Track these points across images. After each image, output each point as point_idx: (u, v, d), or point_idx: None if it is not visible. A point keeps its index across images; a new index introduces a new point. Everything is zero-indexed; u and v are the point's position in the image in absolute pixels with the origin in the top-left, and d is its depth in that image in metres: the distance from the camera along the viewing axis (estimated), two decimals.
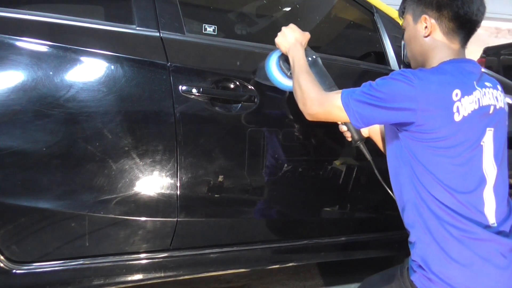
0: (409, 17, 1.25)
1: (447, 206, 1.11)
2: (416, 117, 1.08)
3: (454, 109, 1.07)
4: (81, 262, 1.42)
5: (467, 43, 1.22)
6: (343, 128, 1.42)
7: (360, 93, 1.15)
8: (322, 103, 1.22)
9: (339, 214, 1.83)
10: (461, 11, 1.15)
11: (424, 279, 1.14)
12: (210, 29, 1.65)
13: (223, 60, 1.58)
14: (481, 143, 1.12)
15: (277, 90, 1.49)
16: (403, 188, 1.19)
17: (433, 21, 1.18)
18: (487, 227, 1.11)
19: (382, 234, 1.92)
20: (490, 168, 1.14)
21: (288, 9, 2.46)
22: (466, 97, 1.09)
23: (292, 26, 1.43)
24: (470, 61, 1.19)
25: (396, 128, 1.18)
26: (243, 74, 1.55)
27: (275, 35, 1.44)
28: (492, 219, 1.13)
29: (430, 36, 1.20)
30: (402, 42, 1.82)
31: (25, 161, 1.30)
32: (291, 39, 1.40)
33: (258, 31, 2.30)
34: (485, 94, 1.14)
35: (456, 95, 1.08)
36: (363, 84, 1.17)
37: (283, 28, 1.43)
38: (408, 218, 1.20)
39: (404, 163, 1.17)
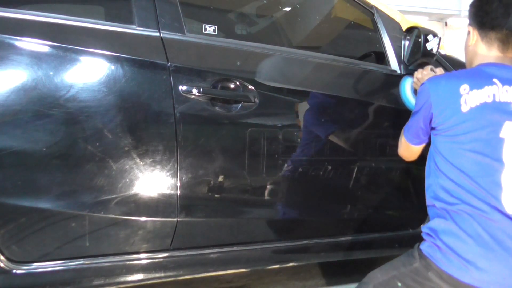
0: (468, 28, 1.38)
1: (462, 187, 1.18)
2: (433, 109, 1.24)
3: (462, 102, 1.20)
4: (81, 262, 1.42)
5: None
6: None
7: (408, 121, 1.37)
8: (400, 143, 1.46)
9: (339, 214, 1.83)
10: (495, 22, 1.26)
11: (432, 245, 1.19)
12: (210, 29, 1.65)
13: (223, 60, 1.58)
14: (500, 135, 1.18)
15: (276, 91, 1.48)
16: (427, 176, 1.32)
17: (475, 32, 1.31)
18: (500, 211, 1.14)
19: (382, 234, 1.92)
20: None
21: (288, 9, 2.46)
22: (475, 90, 1.20)
23: (425, 72, 1.58)
24: (498, 65, 1.27)
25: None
26: (243, 74, 1.55)
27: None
28: (509, 207, 1.14)
29: (473, 45, 1.33)
30: (403, 42, 1.82)
31: (25, 161, 1.30)
32: None
33: (258, 31, 2.30)
34: (507, 91, 1.21)
35: (464, 89, 1.21)
36: None
37: (415, 74, 1.63)
38: (429, 201, 1.29)
39: (430, 155, 1.31)
